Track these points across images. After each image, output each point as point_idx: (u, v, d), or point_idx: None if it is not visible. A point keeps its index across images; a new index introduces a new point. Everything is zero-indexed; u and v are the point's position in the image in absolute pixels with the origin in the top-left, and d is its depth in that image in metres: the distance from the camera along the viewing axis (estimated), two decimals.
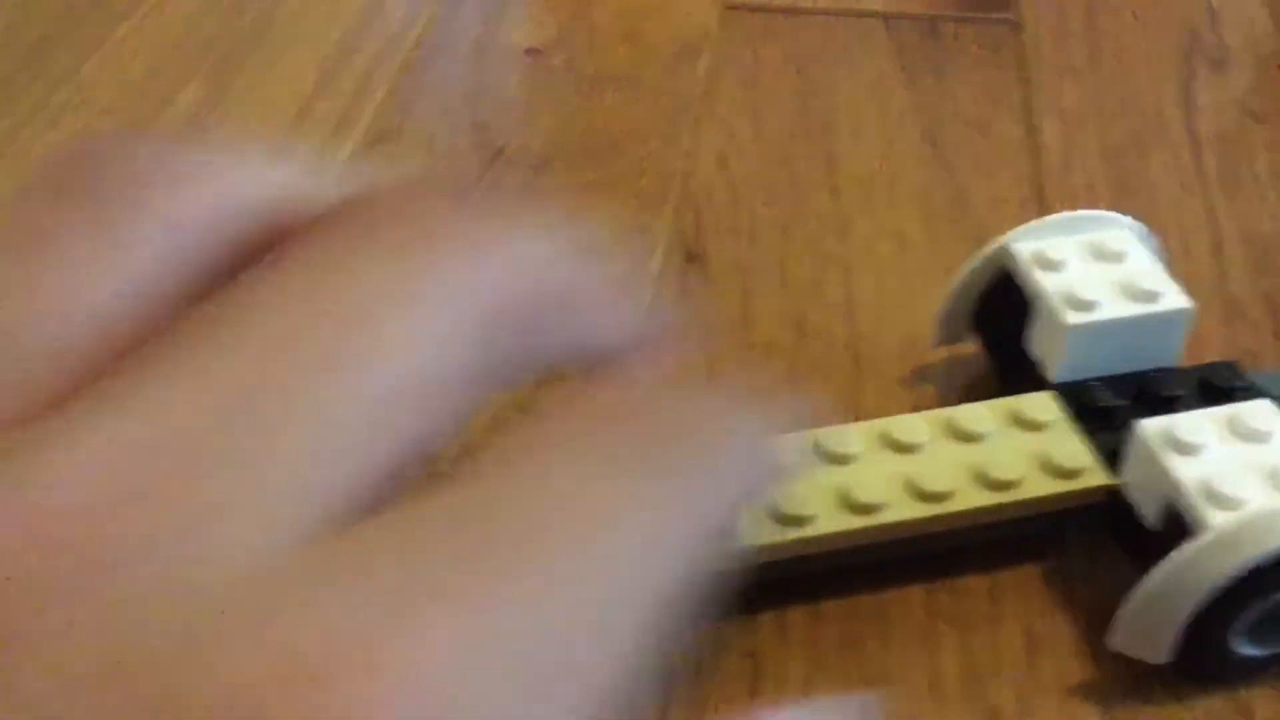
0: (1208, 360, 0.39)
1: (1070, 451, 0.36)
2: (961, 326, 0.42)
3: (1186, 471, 0.33)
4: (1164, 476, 0.33)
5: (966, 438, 0.36)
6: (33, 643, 0.09)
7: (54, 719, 0.09)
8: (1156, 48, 0.60)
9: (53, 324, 0.12)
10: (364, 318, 0.11)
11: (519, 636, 0.10)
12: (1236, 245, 0.49)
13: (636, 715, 0.11)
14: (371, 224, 0.12)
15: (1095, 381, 0.38)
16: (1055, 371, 0.38)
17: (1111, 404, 0.37)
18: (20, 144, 0.53)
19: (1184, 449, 0.34)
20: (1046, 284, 0.38)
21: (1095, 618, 0.36)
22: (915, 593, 0.37)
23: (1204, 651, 0.33)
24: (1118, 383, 0.38)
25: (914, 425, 0.36)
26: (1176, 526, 0.33)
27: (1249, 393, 0.37)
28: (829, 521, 0.34)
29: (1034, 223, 0.41)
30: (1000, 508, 0.35)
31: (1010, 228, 0.41)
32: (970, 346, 0.43)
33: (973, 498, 0.35)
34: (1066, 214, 0.41)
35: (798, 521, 0.34)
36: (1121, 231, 0.40)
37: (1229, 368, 0.38)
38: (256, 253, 0.12)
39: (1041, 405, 0.37)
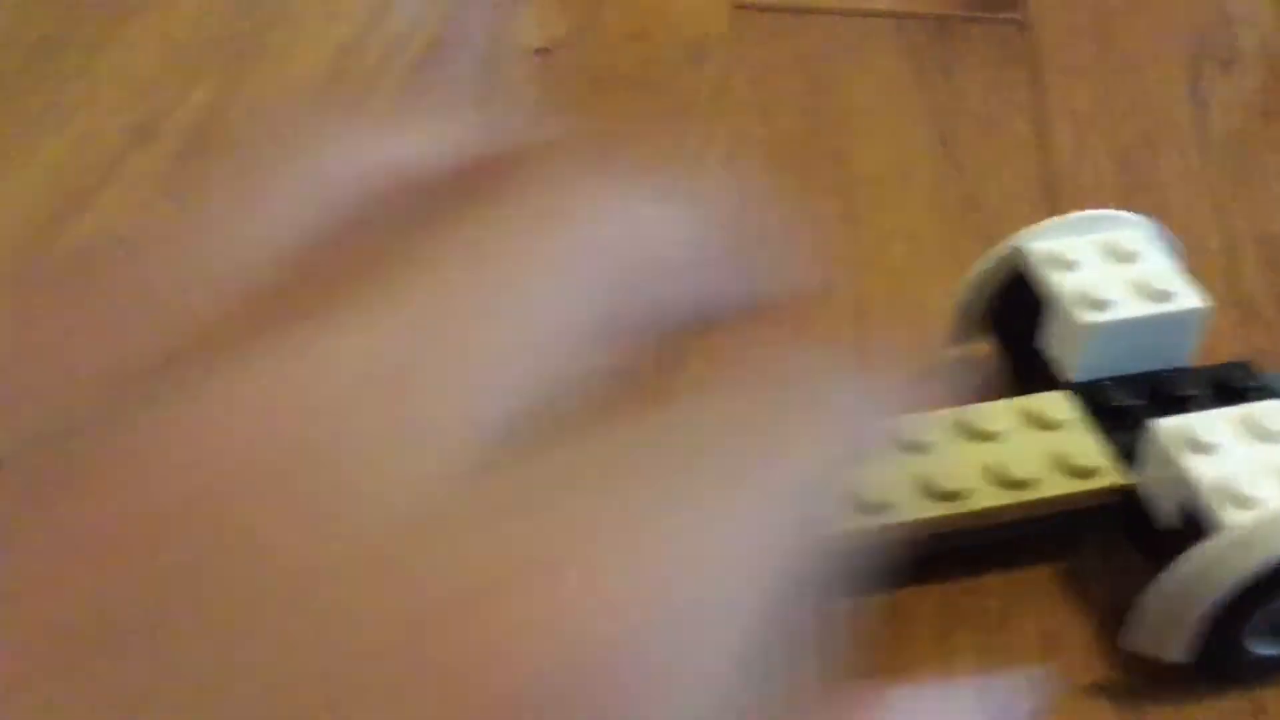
0: (1220, 360, 0.39)
1: (1086, 451, 0.36)
2: (974, 326, 0.42)
3: (1203, 471, 0.33)
4: (1180, 476, 0.33)
5: (981, 436, 0.36)
6: (254, 534, 0.10)
7: (272, 616, 0.10)
8: (1166, 47, 0.60)
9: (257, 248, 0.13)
10: (518, 273, 0.13)
11: (701, 552, 0.11)
12: (1248, 245, 0.49)
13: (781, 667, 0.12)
14: (523, 190, 0.13)
15: (1109, 381, 0.38)
16: (1069, 371, 0.38)
17: (1126, 404, 0.37)
18: (29, 142, 0.53)
19: (1200, 448, 0.34)
20: (1061, 284, 0.38)
21: (1110, 617, 0.36)
22: (931, 592, 0.37)
23: (1220, 650, 0.33)
24: (1132, 382, 0.38)
25: (924, 424, 0.36)
26: (1192, 526, 0.33)
27: (1263, 393, 0.37)
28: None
29: (1047, 222, 0.41)
30: (1016, 507, 0.35)
31: (1021, 227, 0.41)
32: (983, 346, 0.43)
33: (989, 497, 0.35)
34: (1080, 213, 0.41)
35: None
36: (1136, 231, 0.40)
37: (1243, 368, 0.38)
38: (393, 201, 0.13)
39: (1056, 405, 0.37)
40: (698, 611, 0.11)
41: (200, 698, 0.10)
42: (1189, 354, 0.39)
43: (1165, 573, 0.32)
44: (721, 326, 0.14)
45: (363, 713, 0.10)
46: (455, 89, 0.57)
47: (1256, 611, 0.32)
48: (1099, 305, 0.38)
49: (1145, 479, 0.35)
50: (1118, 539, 0.36)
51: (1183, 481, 0.33)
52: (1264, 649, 0.34)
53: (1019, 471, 0.35)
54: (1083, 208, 0.42)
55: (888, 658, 0.35)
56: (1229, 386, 0.37)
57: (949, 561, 0.37)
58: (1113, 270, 0.39)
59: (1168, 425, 0.34)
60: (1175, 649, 0.33)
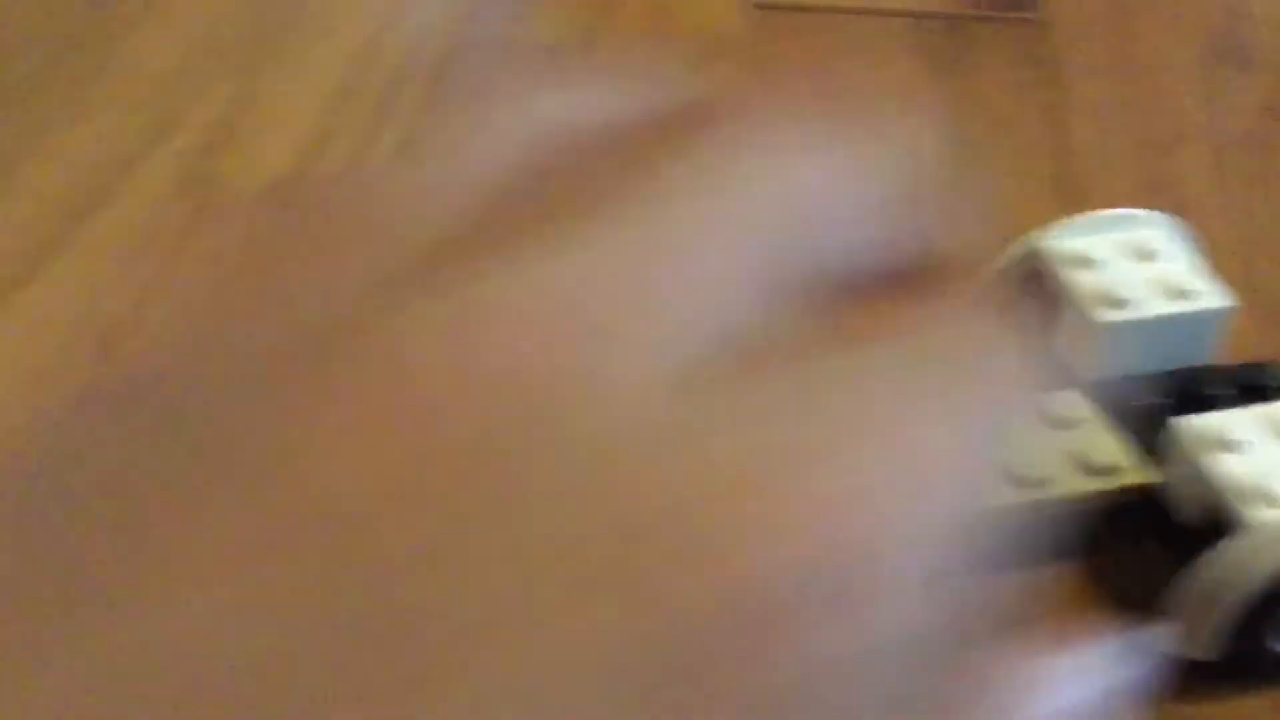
0: (1239, 359, 0.39)
1: (1107, 449, 0.36)
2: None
3: (1228, 469, 0.33)
4: (1205, 474, 0.33)
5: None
6: (525, 414, 0.11)
7: (552, 487, 0.11)
8: (1183, 47, 0.60)
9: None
10: (707, 220, 0.13)
11: (911, 470, 0.12)
12: (1267, 244, 0.49)
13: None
14: (710, 142, 0.14)
15: (1130, 379, 0.38)
16: (1088, 370, 0.38)
17: (1147, 402, 0.37)
18: (50, 139, 0.54)
19: (1225, 447, 0.34)
20: (1079, 282, 0.38)
21: (1130, 616, 0.36)
22: None
23: (1243, 649, 0.33)
24: (1152, 381, 0.38)
25: (1072, 400, 0.36)
26: (1217, 524, 0.33)
27: None
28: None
29: (1067, 221, 0.41)
30: (1037, 505, 0.35)
31: (1038, 226, 0.41)
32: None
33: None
34: (1100, 212, 0.41)
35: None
36: (1157, 229, 0.41)
37: (1264, 367, 0.39)
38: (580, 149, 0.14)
39: (1072, 403, 0.37)
40: (905, 525, 0.12)
41: (488, 557, 0.11)
42: (1209, 353, 0.39)
43: (1191, 572, 0.32)
44: (882, 284, 0.15)
45: (635, 580, 0.11)
46: (474, 88, 0.57)
47: None
48: (1118, 303, 0.38)
49: (1169, 477, 0.35)
50: (1139, 538, 0.36)
51: (1208, 480, 0.33)
52: None
53: (1036, 470, 0.35)
54: (1101, 207, 0.42)
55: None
56: (1252, 385, 0.38)
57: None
58: (1134, 269, 0.39)
59: (1193, 423, 0.34)
60: (1199, 647, 0.33)
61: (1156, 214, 0.41)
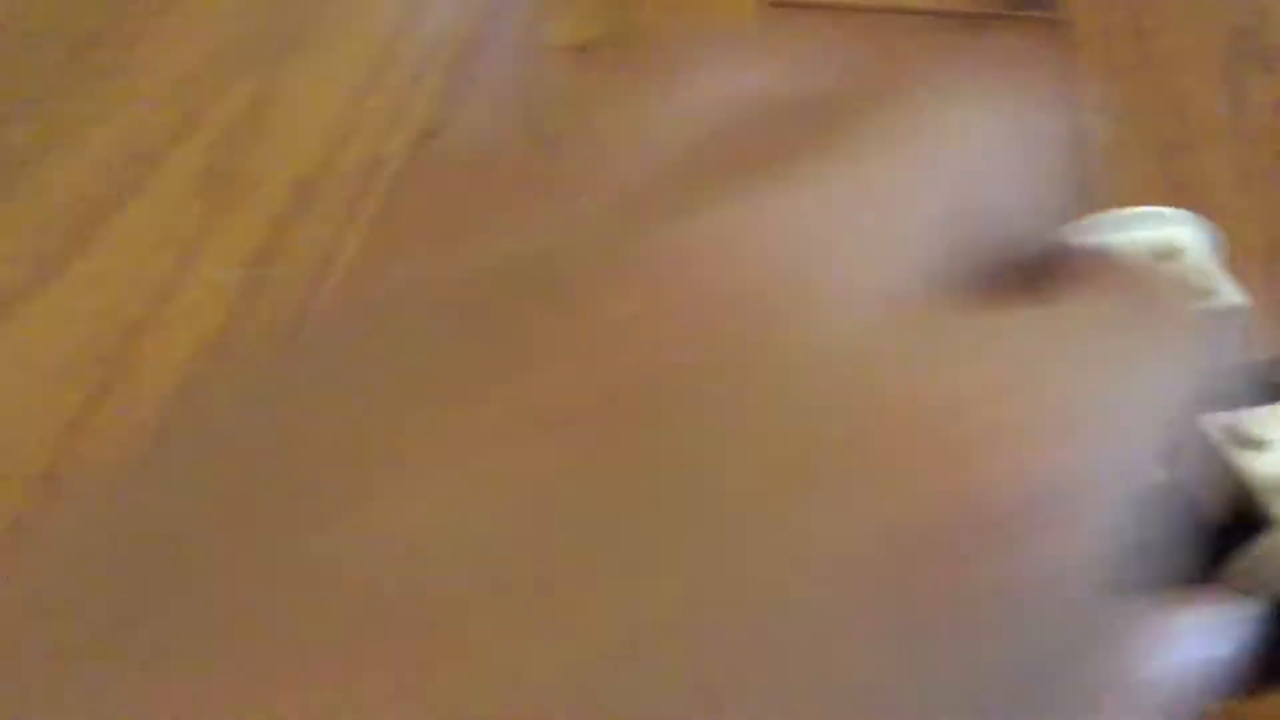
0: (1257, 358, 0.39)
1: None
2: None
3: (1255, 466, 0.33)
4: (1232, 471, 0.33)
5: None
6: (741, 382, 0.12)
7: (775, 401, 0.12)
8: (1204, 47, 0.60)
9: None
10: (938, 154, 0.14)
11: (1115, 404, 0.13)
12: None
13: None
14: (904, 108, 0.15)
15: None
16: None
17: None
18: (73, 135, 0.54)
19: (1251, 444, 0.33)
20: None
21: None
22: None
23: (1272, 651, 0.33)
24: None
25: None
26: (1245, 522, 0.33)
27: None
28: None
29: (1089, 219, 0.41)
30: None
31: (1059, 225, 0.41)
32: None
33: None
34: (1121, 210, 0.41)
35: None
36: (1180, 228, 0.40)
37: None
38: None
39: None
40: (1114, 466, 0.13)
41: (747, 451, 0.11)
42: (1231, 351, 0.39)
43: (1223, 569, 0.32)
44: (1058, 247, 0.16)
45: (884, 477, 0.11)
46: (495, 84, 0.57)
47: None
48: None
49: (1192, 475, 0.35)
50: (1160, 536, 0.36)
51: (1235, 477, 0.33)
52: None
53: None
54: (1121, 206, 0.42)
55: None
56: (1274, 384, 0.37)
57: None
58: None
59: (1216, 420, 0.34)
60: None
61: (1180, 212, 0.41)
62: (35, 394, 0.44)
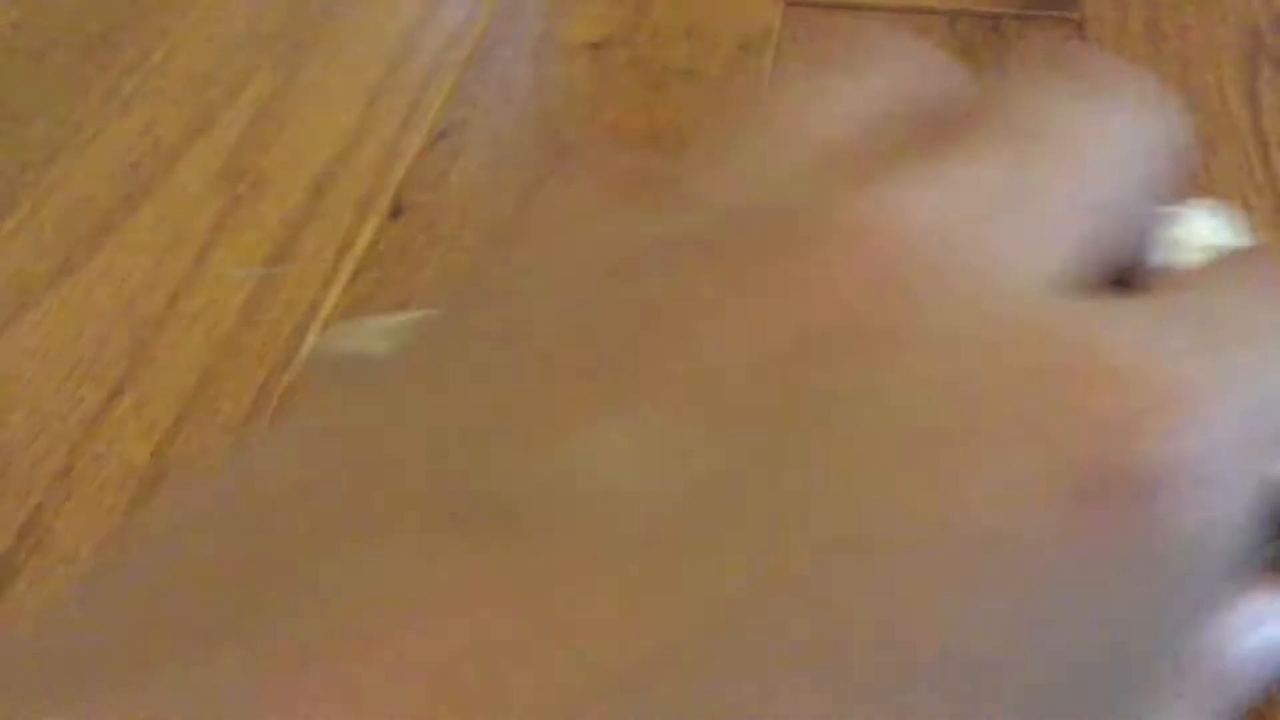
0: None
1: None
2: None
3: None
4: None
5: None
6: (904, 339, 0.12)
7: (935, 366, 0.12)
8: (1221, 47, 0.60)
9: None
10: (1080, 145, 0.15)
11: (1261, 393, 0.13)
12: None
13: None
14: (1070, 83, 0.16)
15: None
16: None
17: None
18: (90, 132, 0.54)
19: None
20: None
21: None
22: None
23: None
24: None
25: None
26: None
27: None
28: None
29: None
30: None
31: None
32: None
33: None
34: (1169, 205, 0.41)
35: None
36: (1212, 221, 0.40)
37: None
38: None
39: None
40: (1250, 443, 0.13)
41: (915, 403, 0.12)
42: None
43: (1265, 567, 0.32)
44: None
45: (1037, 431, 0.12)
46: (511, 82, 0.57)
47: None
48: None
49: None
50: None
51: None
52: None
53: None
54: None
55: None
56: None
57: None
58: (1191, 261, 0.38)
59: None
60: None
61: (1224, 206, 0.41)
62: (52, 391, 0.44)
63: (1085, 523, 0.12)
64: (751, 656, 0.11)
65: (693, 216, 0.14)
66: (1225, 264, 0.16)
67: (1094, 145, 0.15)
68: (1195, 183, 0.52)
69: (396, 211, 0.51)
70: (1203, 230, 0.39)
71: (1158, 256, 0.18)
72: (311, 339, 0.46)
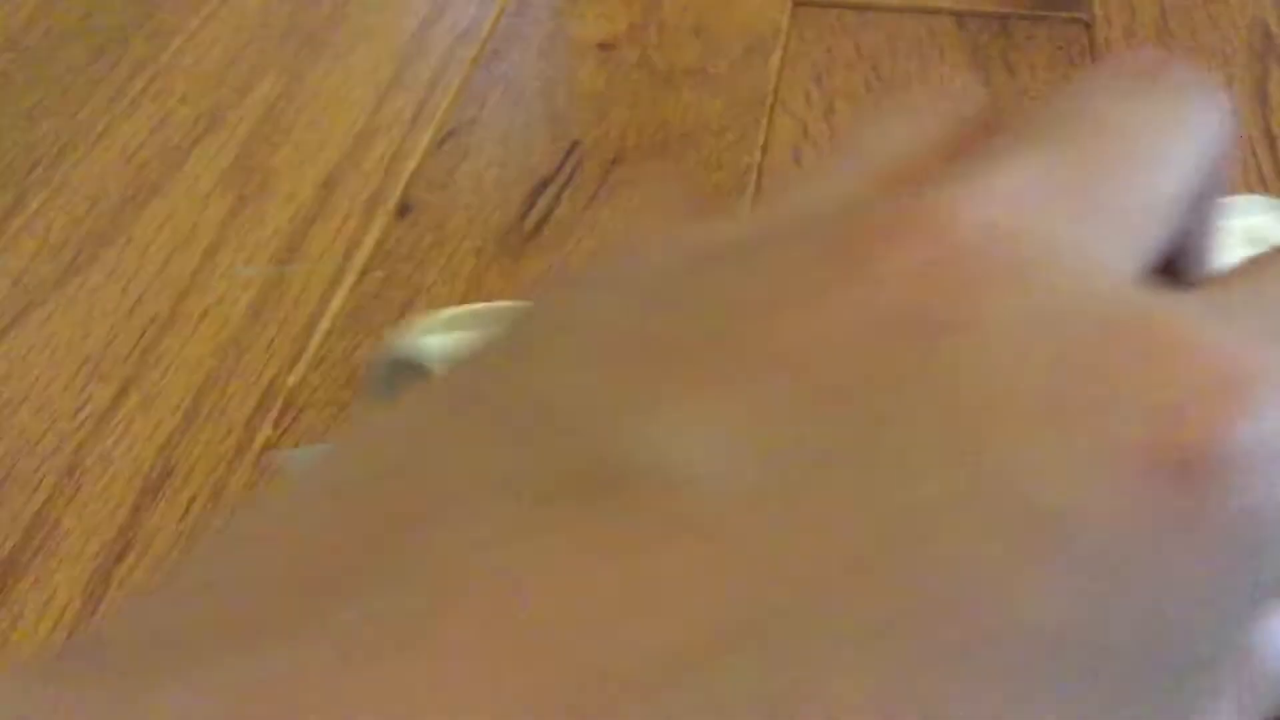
0: None
1: None
2: None
3: None
4: None
5: None
6: (977, 323, 0.13)
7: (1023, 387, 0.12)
8: (1229, 47, 0.59)
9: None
10: (1142, 140, 0.15)
11: None
12: None
13: None
14: (1136, 77, 0.16)
15: None
16: None
17: None
18: (99, 131, 0.54)
19: None
20: None
21: None
22: None
23: None
24: None
25: None
26: None
27: None
28: None
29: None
30: None
31: None
32: None
33: None
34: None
35: None
36: (1267, 216, 0.40)
37: None
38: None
39: None
40: None
41: (994, 381, 0.12)
42: None
43: None
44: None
45: (1092, 419, 0.12)
46: (520, 83, 0.57)
47: None
48: None
49: None
50: None
51: None
52: None
53: None
54: None
55: None
56: None
57: None
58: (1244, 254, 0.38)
59: None
60: None
61: (1271, 199, 0.40)
62: (60, 389, 0.44)
63: (1152, 500, 0.12)
64: (824, 630, 0.11)
65: (771, 219, 0.15)
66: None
67: (1153, 139, 0.16)
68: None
69: (404, 210, 0.51)
70: (1256, 223, 0.39)
71: (1215, 248, 0.18)
72: (319, 337, 0.46)
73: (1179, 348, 0.13)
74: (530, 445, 0.12)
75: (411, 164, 0.53)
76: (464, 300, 0.46)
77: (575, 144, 0.53)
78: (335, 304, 0.47)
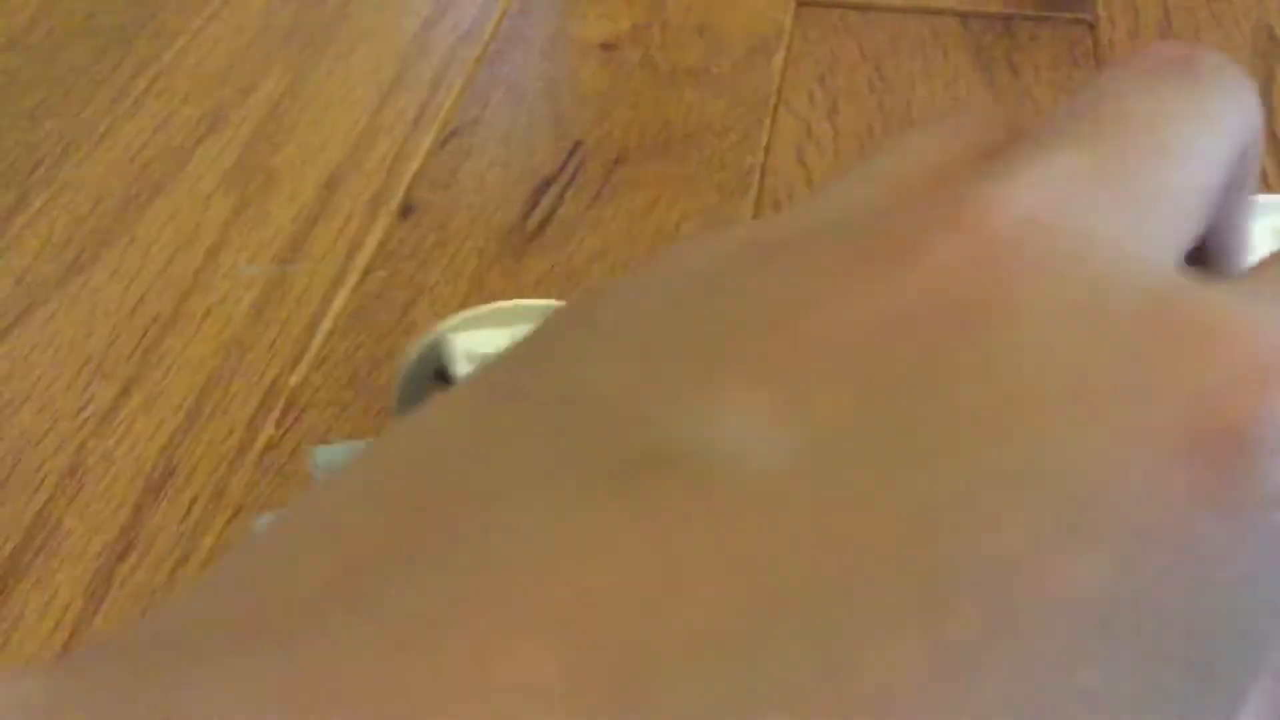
0: None
1: None
2: None
3: None
4: None
5: None
6: (1016, 311, 0.13)
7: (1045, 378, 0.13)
8: (1232, 49, 0.59)
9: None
10: (1171, 132, 0.16)
11: None
12: None
13: None
14: (1167, 70, 0.16)
15: None
16: None
17: None
18: (102, 131, 0.54)
19: None
20: None
21: None
22: None
23: None
24: None
25: None
26: None
27: None
28: None
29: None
30: None
31: None
32: None
33: None
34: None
35: None
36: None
37: None
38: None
39: None
40: None
41: (1024, 368, 0.12)
42: None
43: None
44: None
45: (1134, 402, 0.12)
46: (523, 82, 0.57)
47: None
48: None
49: None
50: None
51: None
52: None
53: None
54: None
55: None
56: None
57: None
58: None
59: None
60: None
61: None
62: (62, 388, 0.44)
63: (1190, 482, 0.12)
64: (873, 602, 0.11)
65: (808, 219, 0.16)
66: None
67: (1183, 130, 0.16)
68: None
69: (407, 210, 0.51)
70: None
71: (1247, 240, 0.18)
72: (321, 337, 0.46)
73: (1215, 333, 0.13)
74: (571, 435, 0.13)
75: (414, 164, 0.53)
76: (466, 301, 0.46)
77: (578, 144, 0.53)
78: (338, 304, 0.47)
